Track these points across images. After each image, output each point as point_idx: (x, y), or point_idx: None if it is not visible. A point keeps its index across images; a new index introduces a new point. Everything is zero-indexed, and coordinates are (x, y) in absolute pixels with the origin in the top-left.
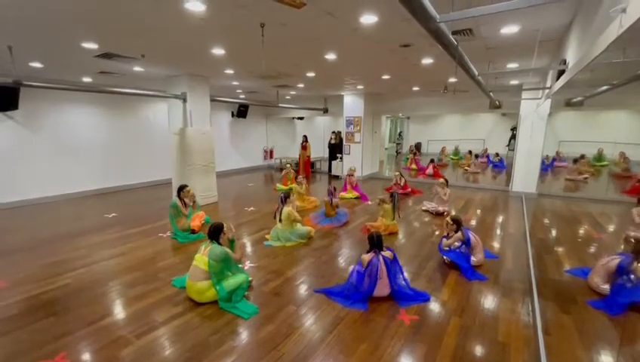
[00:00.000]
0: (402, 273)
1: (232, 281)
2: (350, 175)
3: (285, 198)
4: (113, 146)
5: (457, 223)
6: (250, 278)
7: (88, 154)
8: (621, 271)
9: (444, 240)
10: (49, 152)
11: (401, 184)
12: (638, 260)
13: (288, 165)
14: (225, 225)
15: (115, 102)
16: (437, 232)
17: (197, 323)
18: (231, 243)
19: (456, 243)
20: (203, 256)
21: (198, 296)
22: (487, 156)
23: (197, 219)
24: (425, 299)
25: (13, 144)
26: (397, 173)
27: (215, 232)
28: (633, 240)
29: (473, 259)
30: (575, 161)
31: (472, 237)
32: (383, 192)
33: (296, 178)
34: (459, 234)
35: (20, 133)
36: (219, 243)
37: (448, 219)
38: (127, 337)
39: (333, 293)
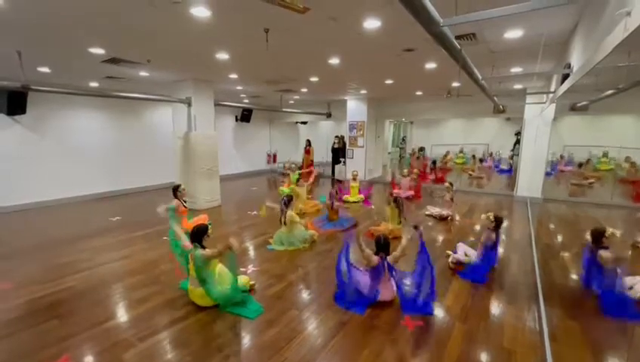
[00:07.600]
0: (433, 284)
1: (224, 287)
2: (354, 178)
3: (288, 201)
4: (118, 150)
5: (498, 222)
6: (252, 282)
7: (94, 158)
8: (589, 264)
9: (483, 216)
10: (55, 156)
11: (414, 176)
12: (597, 248)
13: (293, 165)
14: (232, 242)
15: (120, 107)
16: (441, 237)
17: (199, 326)
18: (230, 256)
19: (487, 242)
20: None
21: (200, 300)
22: (493, 160)
23: (199, 222)
24: (428, 311)
25: (20, 148)
26: (413, 172)
27: (198, 234)
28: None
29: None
30: (580, 165)
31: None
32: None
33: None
34: (492, 234)
35: (27, 137)
36: (202, 246)
37: (490, 215)
38: (130, 340)
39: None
